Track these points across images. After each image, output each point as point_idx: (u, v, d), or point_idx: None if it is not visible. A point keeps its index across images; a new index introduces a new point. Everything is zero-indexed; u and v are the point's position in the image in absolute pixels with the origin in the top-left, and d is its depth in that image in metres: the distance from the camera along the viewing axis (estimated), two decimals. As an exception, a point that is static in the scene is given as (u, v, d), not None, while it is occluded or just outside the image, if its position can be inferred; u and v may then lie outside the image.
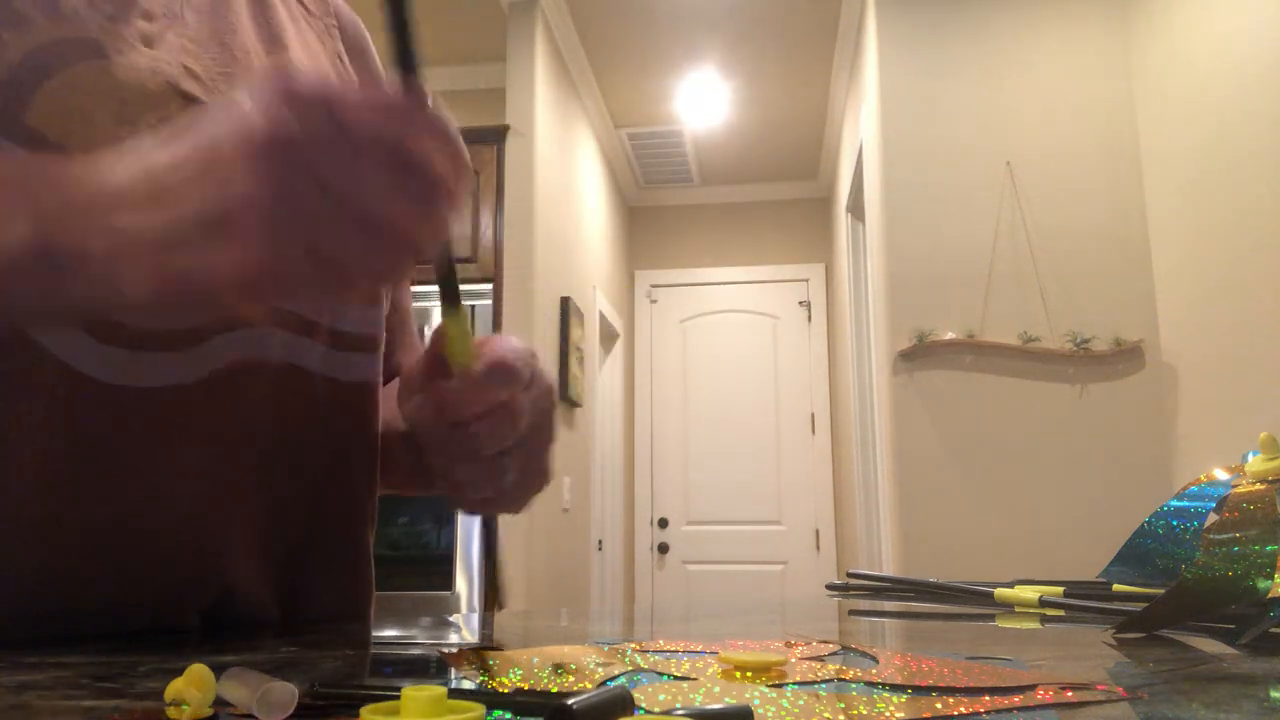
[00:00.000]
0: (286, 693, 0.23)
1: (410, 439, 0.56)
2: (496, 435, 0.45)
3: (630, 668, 0.32)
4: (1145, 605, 0.41)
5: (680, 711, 0.24)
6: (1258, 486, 0.42)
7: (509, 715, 0.25)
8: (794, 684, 0.29)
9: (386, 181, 0.32)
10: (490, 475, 0.46)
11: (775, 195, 5.04)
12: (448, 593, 2.93)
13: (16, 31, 0.44)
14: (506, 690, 0.28)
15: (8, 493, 0.43)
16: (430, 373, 0.46)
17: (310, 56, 0.60)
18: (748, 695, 0.27)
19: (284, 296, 0.37)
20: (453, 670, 0.34)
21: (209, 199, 0.32)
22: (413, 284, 0.78)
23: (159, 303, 0.34)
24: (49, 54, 0.44)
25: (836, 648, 0.37)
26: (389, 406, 0.61)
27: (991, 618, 0.54)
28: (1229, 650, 0.36)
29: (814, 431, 4.77)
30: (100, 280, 0.33)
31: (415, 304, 0.76)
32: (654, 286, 5.01)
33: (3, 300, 0.35)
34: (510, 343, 0.46)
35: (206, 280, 0.33)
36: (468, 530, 2.95)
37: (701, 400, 4.86)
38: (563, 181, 3.61)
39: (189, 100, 0.48)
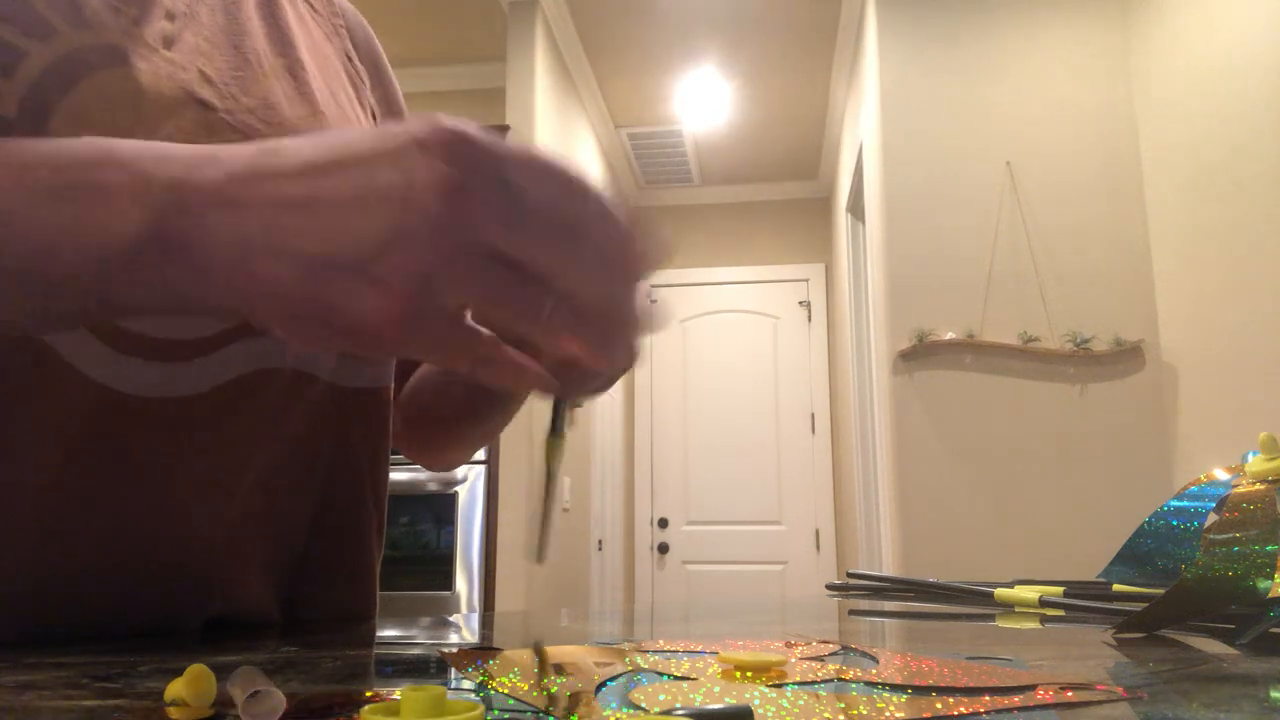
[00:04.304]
0: (270, 701, 0.23)
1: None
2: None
3: (630, 668, 0.32)
4: (1145, 605, 0.41)
5: (680, 711, 0.24)
6: (1258, 486, 0.42)
7: (508, 716, 0.25)
8: (794, 684, 0.29)
9: (562, 253, 0.30)
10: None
11: (775, 195, 5.04)
12: (448, 593, 2.93)
13: (42, 42, 0.43)
14: (505, 691, 0.28)
15: (18, 499, 0.43)
16: None
17: (318, 58, 0.59)
18: (748, 695, 0.26)
19: (409, 348, 0.31)
20: (453, 670, 0.34)
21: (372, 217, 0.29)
22: None
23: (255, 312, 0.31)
24: (72, 62, 0.43)
25: (836, 648, 0.37)
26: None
27: (991, 618, 0.54)
28: (1229, 650, 0.36)
29: (814, 431, 4.77)
30: (208, 278, 0.31)
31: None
32: (654, 286, 4.96)
33: (105, 296, 0.33)
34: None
35: (337, 315, 0.30)
36: (468, 530, 2.95)
37: (702, 400, 4.86)
38: (563, 181, 3.61)
39: (204, 107, 0.48)
